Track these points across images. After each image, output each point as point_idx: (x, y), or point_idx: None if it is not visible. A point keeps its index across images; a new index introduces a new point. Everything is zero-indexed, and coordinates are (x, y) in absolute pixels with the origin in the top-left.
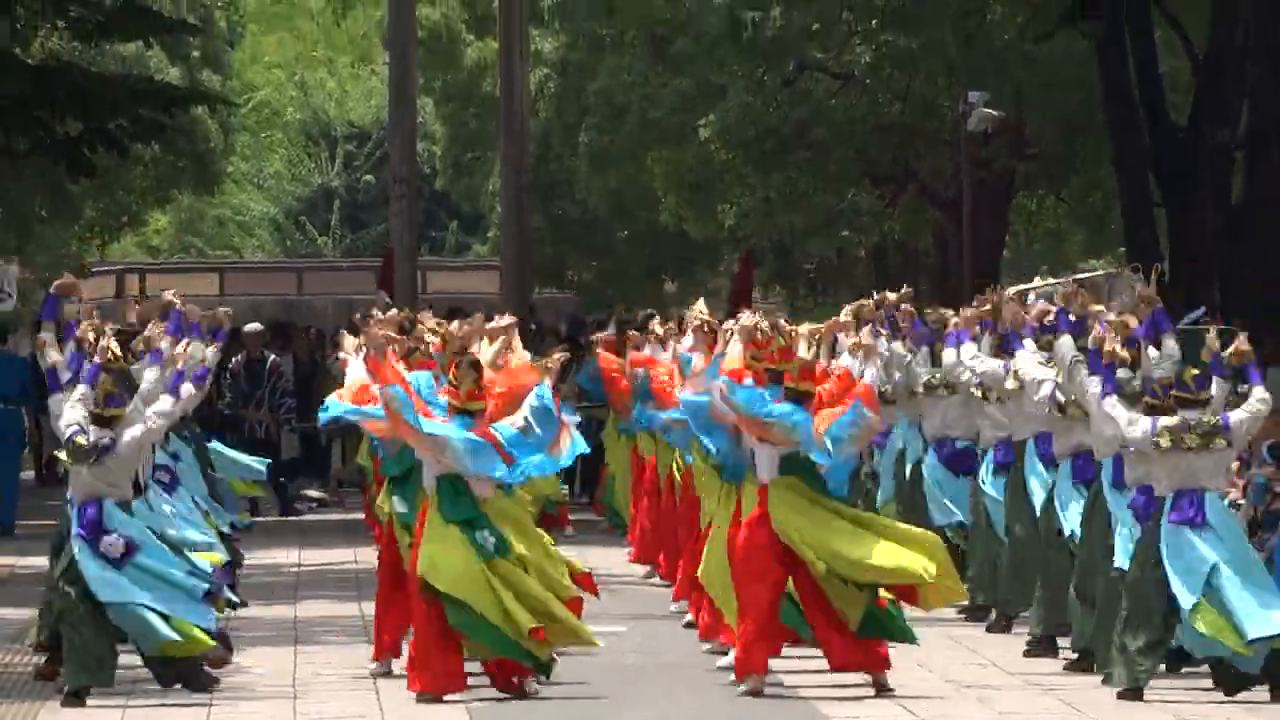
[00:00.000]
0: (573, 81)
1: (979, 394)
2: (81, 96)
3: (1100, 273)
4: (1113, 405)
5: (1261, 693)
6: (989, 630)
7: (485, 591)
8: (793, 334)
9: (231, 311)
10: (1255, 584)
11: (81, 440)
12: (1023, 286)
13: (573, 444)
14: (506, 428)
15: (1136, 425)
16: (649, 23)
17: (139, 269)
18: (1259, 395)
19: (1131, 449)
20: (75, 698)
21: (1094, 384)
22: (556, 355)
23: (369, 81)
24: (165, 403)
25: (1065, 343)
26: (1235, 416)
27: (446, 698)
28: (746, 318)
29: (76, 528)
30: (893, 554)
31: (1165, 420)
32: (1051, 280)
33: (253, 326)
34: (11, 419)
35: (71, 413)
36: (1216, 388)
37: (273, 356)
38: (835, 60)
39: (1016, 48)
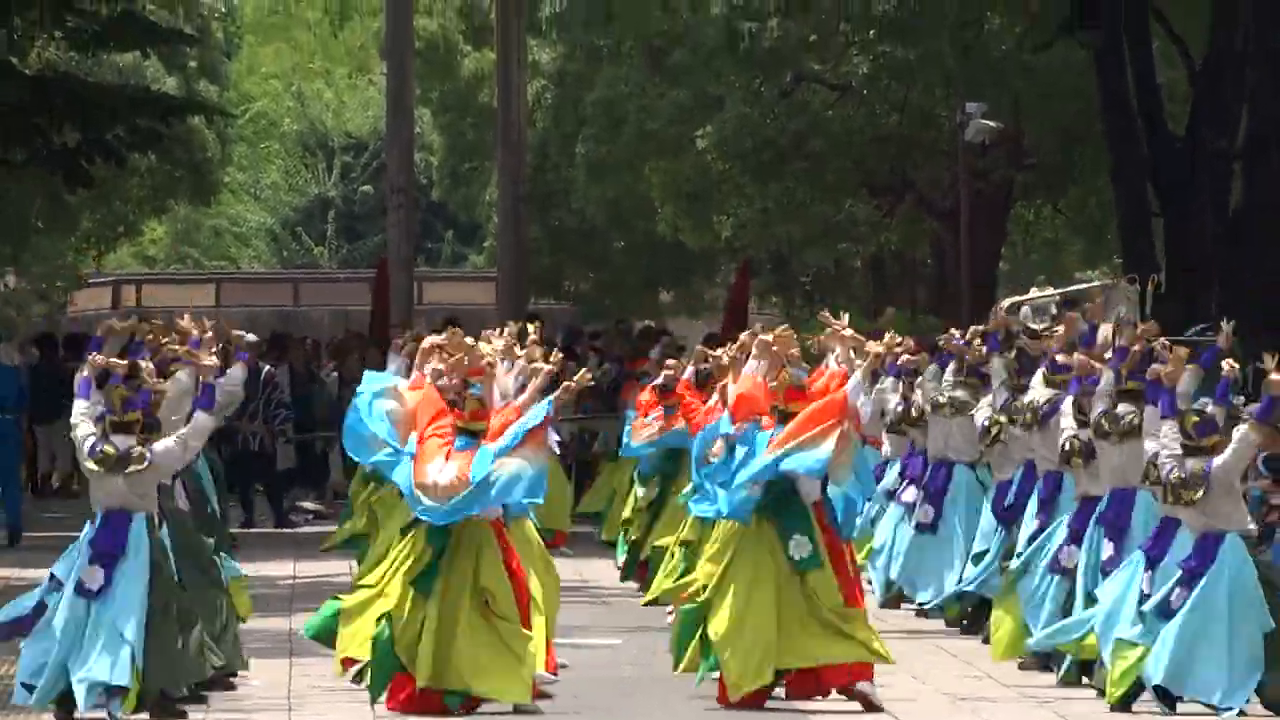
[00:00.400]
0: (570, 92)
1: (1004, 419)
2: (80, 105)
3: (1097, 284)
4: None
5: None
6: (985, 642)
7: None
8: (824, 341)
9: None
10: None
11: (110, 449)
12: (1017, 299)
13: (525, 479)
14: (487, 449)
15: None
16: (646, 34)
17: (135, 280)
18: (1242, 433)
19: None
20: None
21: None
22: (577, 382)
23: (366, 92)
24: (200, 419)
25: (1109, 378)
26: (1218, 461)
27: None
28: (764, 337)
29: (90, 536)
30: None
31: (1174, 476)
32: (1050, 291)
33: (248, 337)
34: (9, 427)
35: (83, 427)
36: (1220, 427)
37: (267, 367)
38: (833, 71)
39: (1015, 58)
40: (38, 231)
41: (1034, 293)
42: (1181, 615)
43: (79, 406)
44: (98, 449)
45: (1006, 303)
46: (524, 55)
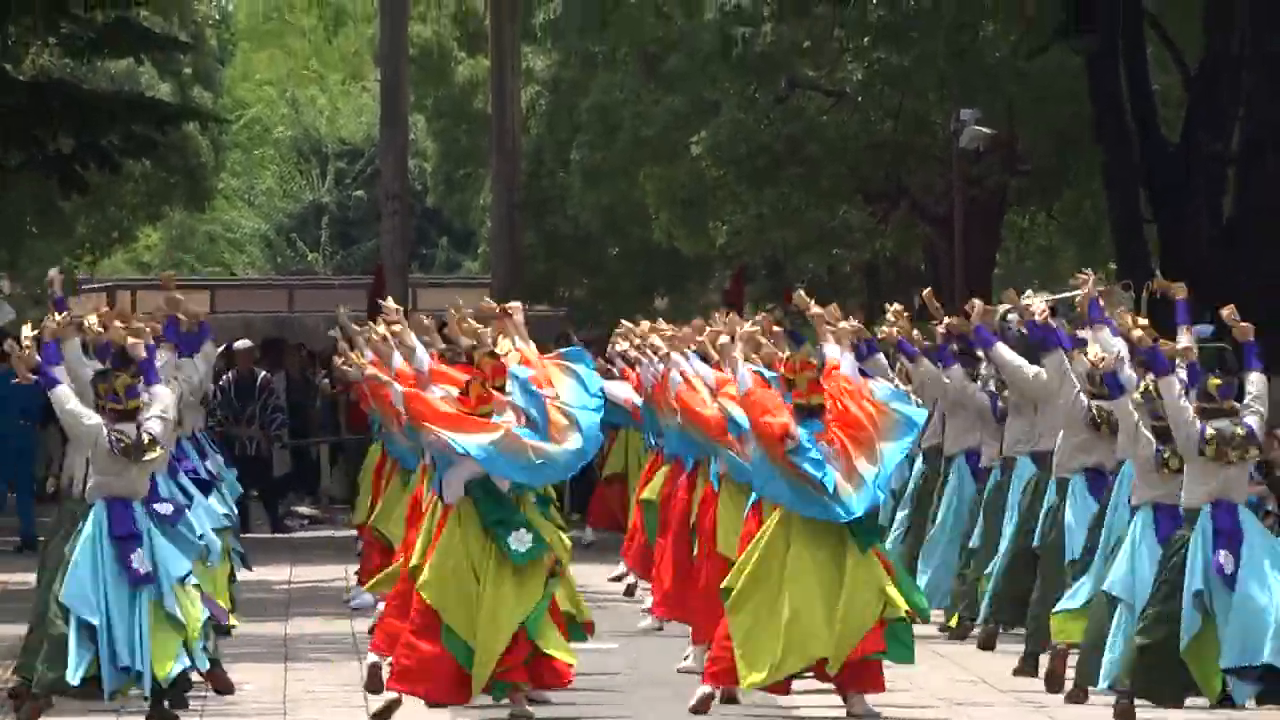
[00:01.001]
0: (565, 98)
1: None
2: (76, 110)
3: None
4: (1185, 401)
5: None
6: (980, 647)
7: (469, 614)
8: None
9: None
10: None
11: (127, 438)
12: (1012, 304)
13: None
14: (520, 429)
15: (1191, 424)
16: (641, 40)
17: (130, 285)
18: (1256, 383)
19: (1162, 457)
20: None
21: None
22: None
23: (360, 98)
24: (161, 392)
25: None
26: (1254, 423)
27: (436, 713)
28: (742, 331)
29: (109, 527)
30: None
31: (1210, 429)
32: (1046, 296)
33: (243, 343)
34: (29, 436)
35: (89, 417)
36: (1256, 385)
37: (263, 373)
38: (827, 77)
39: (1009, 63)
40: (32, 236)
41: (1029, 295)
42: (1239, 589)
43: (69, 392)
44: (114, 438)
45: (1002, 308)
46: (518, 62)
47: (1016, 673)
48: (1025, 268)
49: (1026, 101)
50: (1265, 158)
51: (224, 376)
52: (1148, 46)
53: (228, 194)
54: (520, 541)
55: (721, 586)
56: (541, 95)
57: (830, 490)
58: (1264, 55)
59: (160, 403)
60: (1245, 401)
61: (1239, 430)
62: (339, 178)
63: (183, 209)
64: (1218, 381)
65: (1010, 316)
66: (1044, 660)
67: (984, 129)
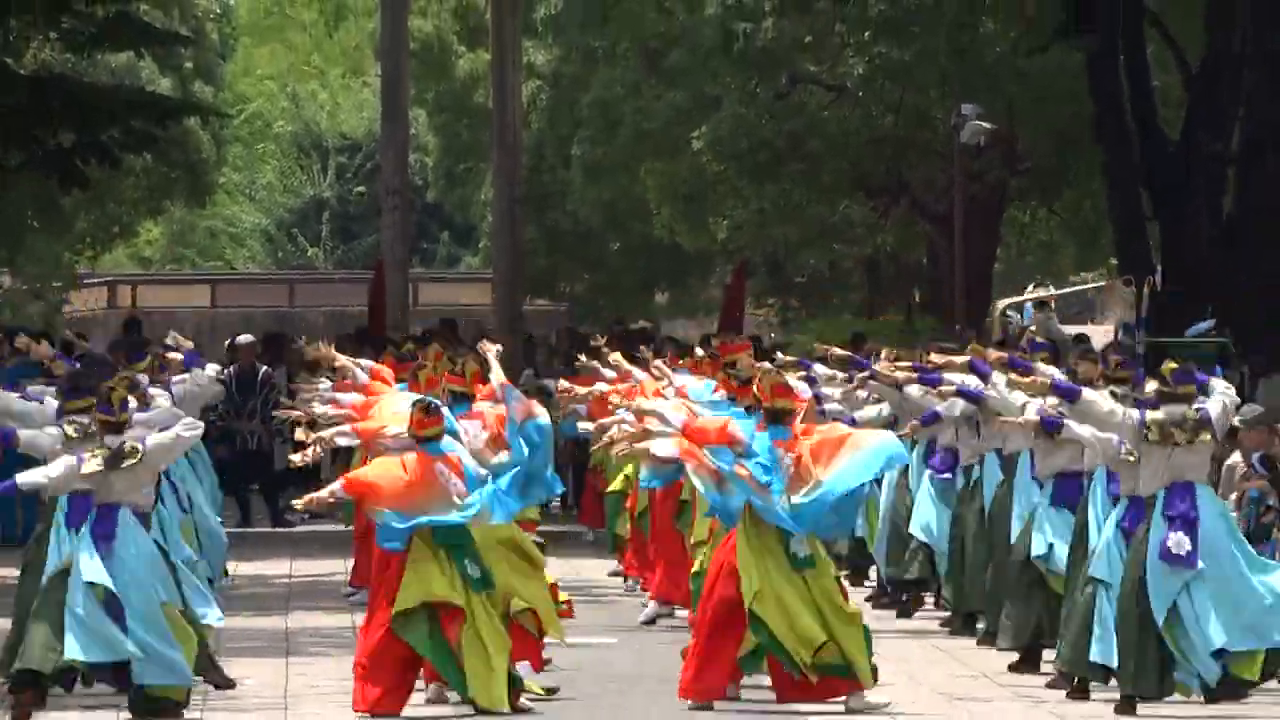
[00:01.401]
0: (566, 93)
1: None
2: (77, 106)
3: (1090, 286)
4: (1097, 394)
5: (1254, 704)
6: (979, 644)
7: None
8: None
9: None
10: (1232, 596)
11: (103, 448)
12: (1014, 300)
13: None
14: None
15: (1128, 416)
16: (642, 35)
17: (131, 280)
18: (1222, 385)
19: (1121, 447)
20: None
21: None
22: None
23: (361, 93)
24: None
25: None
26: (1213, 409)
27: (428, 711)
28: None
29: (90, 527)
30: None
31: (1153, 414)
32: (1050, 290)
33: (245, 338)
34: None
35: (57, 461)
36: (1221, 384)
37: (264, 368)
38: (829, 72)
39: (1009, 62)
40: (33, 232)
41: (1029, 292)
42: (1207, 572)
43: (52, 432)
44: (86, 456)
45: (1003, 303)
46: (519, 56)
47: (1012, 669)
48: (1026, 263)
49: (1026, 101)
50: (1265, 158)
51: (225, 371)
52: (1148, 45)
53: (228, 189)
54: (470, 569)
55: (747, 608)
56: (543, 90)
57: (776, 495)
58: (1265, 53)
59: (172, 433)
60: (1212, 396)
61: (1191, 414)
62: (340, 172)
63: (183, 204)
64: (1173, 366)
65: (1010, 314)
66: (1044, 656)
67: (985, 124)
